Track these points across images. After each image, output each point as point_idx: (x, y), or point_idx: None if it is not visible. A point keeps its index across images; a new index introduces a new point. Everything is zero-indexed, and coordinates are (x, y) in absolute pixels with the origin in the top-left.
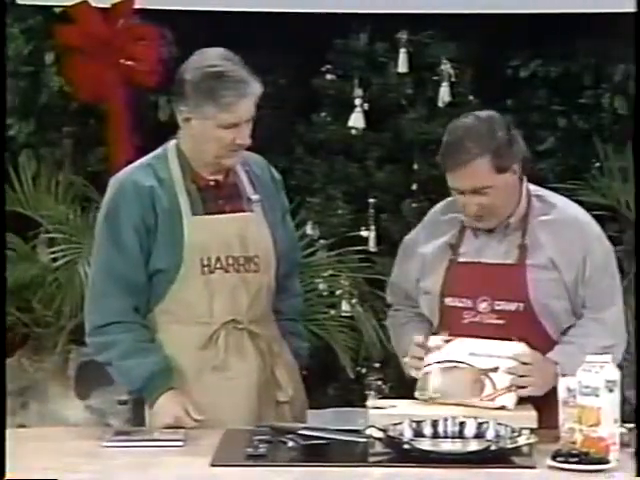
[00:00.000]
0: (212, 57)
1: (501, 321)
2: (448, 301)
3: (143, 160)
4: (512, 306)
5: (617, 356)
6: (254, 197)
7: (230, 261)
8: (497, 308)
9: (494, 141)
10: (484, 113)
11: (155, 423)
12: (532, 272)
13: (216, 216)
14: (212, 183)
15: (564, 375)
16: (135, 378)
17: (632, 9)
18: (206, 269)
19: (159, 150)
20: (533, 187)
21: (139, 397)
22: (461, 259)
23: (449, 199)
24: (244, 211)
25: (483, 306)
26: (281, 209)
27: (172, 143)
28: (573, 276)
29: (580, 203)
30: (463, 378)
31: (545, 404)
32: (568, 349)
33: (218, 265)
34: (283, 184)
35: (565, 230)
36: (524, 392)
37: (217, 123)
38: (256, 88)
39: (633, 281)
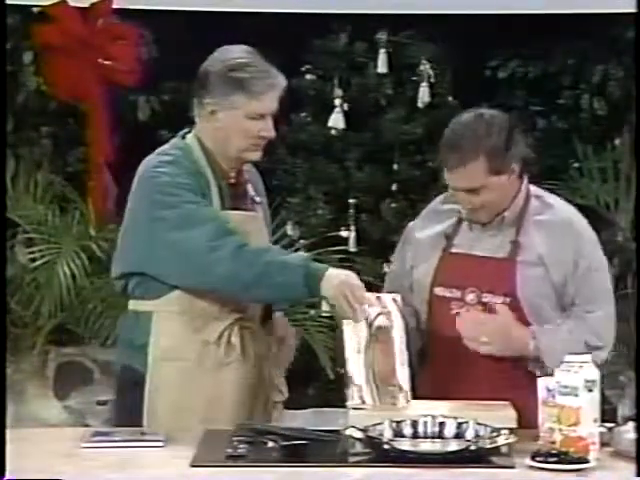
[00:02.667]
0: (237, 51)
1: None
2: (438, 291)
3: (166, 158)
4: (499, 299)
5: (602, 357)
6: (257, 199)
7: None
8: (484, 300)
9: (489, 143)
10: (487, 112)
11: (330, 292)
12: (522, 268)
13: (235, 212)
14: (232, 181)
15: (537, 350)
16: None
17: (632, 9)
18: None
19: (177, 147)
20: (534, 188)
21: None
22: (454, 250)
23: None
24: (250, 210)
25: (470, 297)
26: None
27: (190, 138)
28: (562, 276)
29: None
30: None
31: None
32: (551, 331)
33: None
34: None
35: (558, 230)
36: (475, 345)
37: (245, 113)
38: (282, 81)
39: (635, 283)
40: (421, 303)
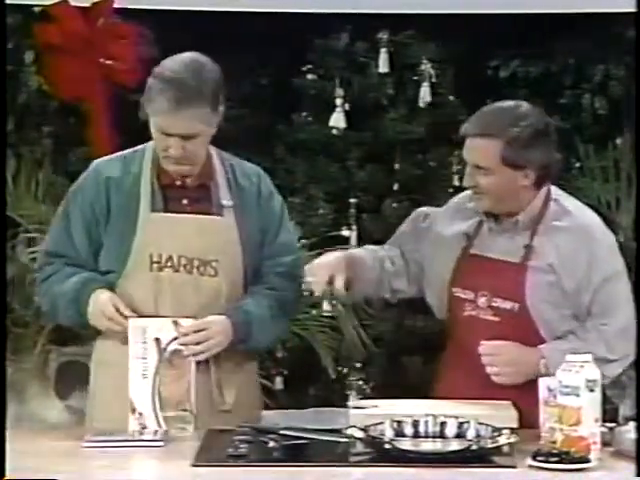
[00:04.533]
0: (178, 62)
1: (496, 318)
2: (455, 290)
3: (125, 151)
4: (507, 305)
5: (614, 371)
6: (226, 203)
7: (183, 261)
8: (494, 305)
9: (512, 133)
10: (532, 108)
11: (93, 320)
12: (532, 274)
13: (175, 215)
14: (178, 183)
15: (547, 369)
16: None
17: (632, 9)
18: (155, 266)
19: (142, 145)
20: (556, 191)
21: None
22: (472, 250)
23: None
24: (210, 214)
25: (482, 300)
26: (265, 223)
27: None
28: (575, 284)
29: None
30: None
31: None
32: (560, 346)
33: (169, 264)
34: (279, 201)
35: (574, 238)
36: (495, 379)
37: (153, 124)
38: (201, 113)
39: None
40: (438, 299)
